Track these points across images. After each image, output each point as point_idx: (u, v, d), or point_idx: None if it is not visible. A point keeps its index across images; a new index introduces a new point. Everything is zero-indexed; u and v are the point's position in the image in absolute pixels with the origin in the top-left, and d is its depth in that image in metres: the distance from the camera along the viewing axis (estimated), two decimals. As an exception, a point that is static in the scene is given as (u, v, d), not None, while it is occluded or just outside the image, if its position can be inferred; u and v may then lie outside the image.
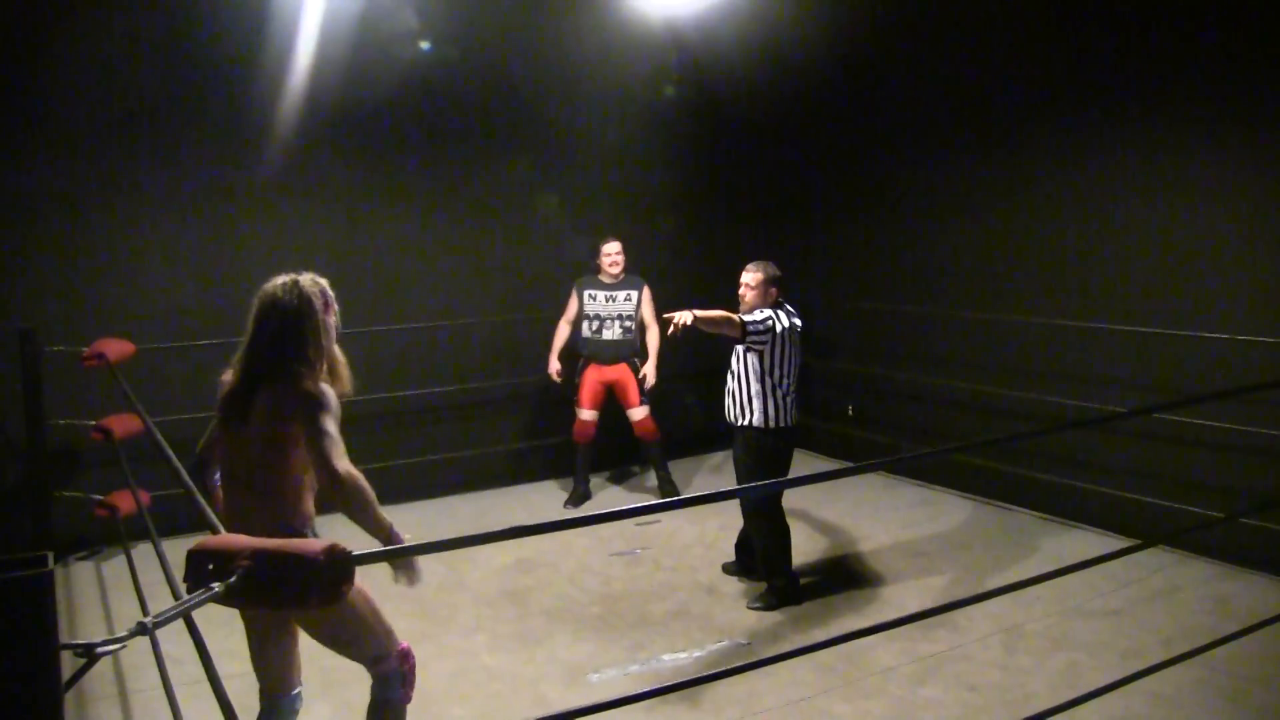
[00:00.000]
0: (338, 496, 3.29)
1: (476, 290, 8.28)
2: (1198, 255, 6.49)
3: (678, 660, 5.20)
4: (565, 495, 8.11)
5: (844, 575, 6.41)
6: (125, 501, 6.21)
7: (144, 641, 4.04)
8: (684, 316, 5.41)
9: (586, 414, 7.87)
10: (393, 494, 7.75)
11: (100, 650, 1.87)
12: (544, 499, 8.11)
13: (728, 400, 6.02)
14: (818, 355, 9.47)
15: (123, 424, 6.11)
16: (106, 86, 6.75)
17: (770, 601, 5.93)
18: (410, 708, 4.66)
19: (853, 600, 6.00)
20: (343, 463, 3.28)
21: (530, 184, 8.53)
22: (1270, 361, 6.04)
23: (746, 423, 5.87)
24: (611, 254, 7.76)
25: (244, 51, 7.06)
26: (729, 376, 6.02)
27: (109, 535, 6.55)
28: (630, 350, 7.84)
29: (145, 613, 3.39)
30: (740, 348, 5.89)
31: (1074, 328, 7.17)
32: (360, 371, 6.82)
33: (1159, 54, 6.62)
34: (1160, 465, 6.72)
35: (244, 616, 3.57)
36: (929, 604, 3.38)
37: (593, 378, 7.83)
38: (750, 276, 5.91)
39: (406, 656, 3.67)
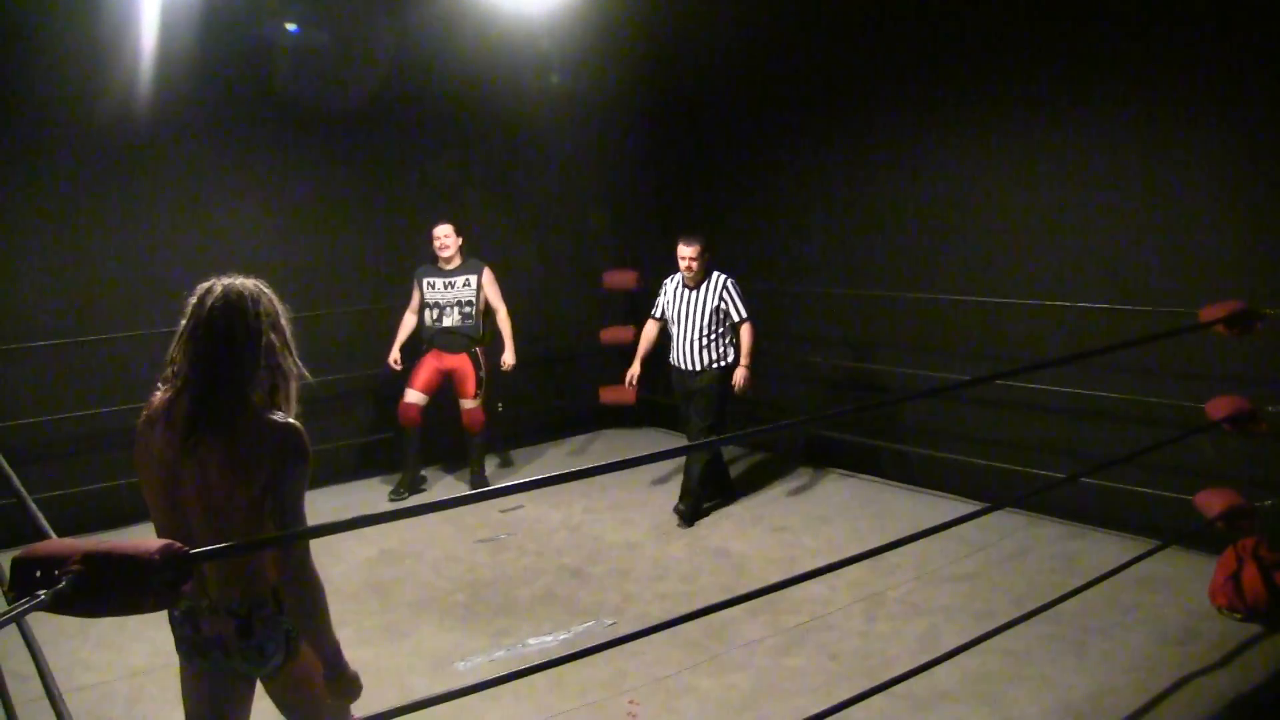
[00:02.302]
0: (289, 595, 2.74)
1: (331, 282, 8.08)
2: (1037, 228, 6.71)
3: (544, 644, 5.19)
4: (433, 484, 8.00)
5: (706, 551, 6.47)
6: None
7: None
8: (743, 378, 6.88)
9: (412, 395, 7.52)
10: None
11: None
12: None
13: (693, 349, 6.99)
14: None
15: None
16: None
17: (689, 516, 7.02)
18: (274, 705, 4.58)
19: (716, 576, 6.06)
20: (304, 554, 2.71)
21: (440, 171, 8.48)
22: (1106, 327, 6.28)
23: (725, 363, 6.96)
24: (440, 238, 7.44)
25: (115, 36, 6.75)
26: (689, 329, 6.98)
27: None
28: (471, 338, 7.59)
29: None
30: (706, 303, 6.94)
31: (921, 300, 7.36)
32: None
33: (997, 37, 6.81)
34: (1008, 430, 6.94)
35: (196, 690, 2.94)
36: (791, 576, 3.43)
37: (430, 362, 7.59)
38: (691, 249, 6.86)
39: None
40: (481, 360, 7.64)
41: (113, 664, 5.01)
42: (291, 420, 2.78)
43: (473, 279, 7.56)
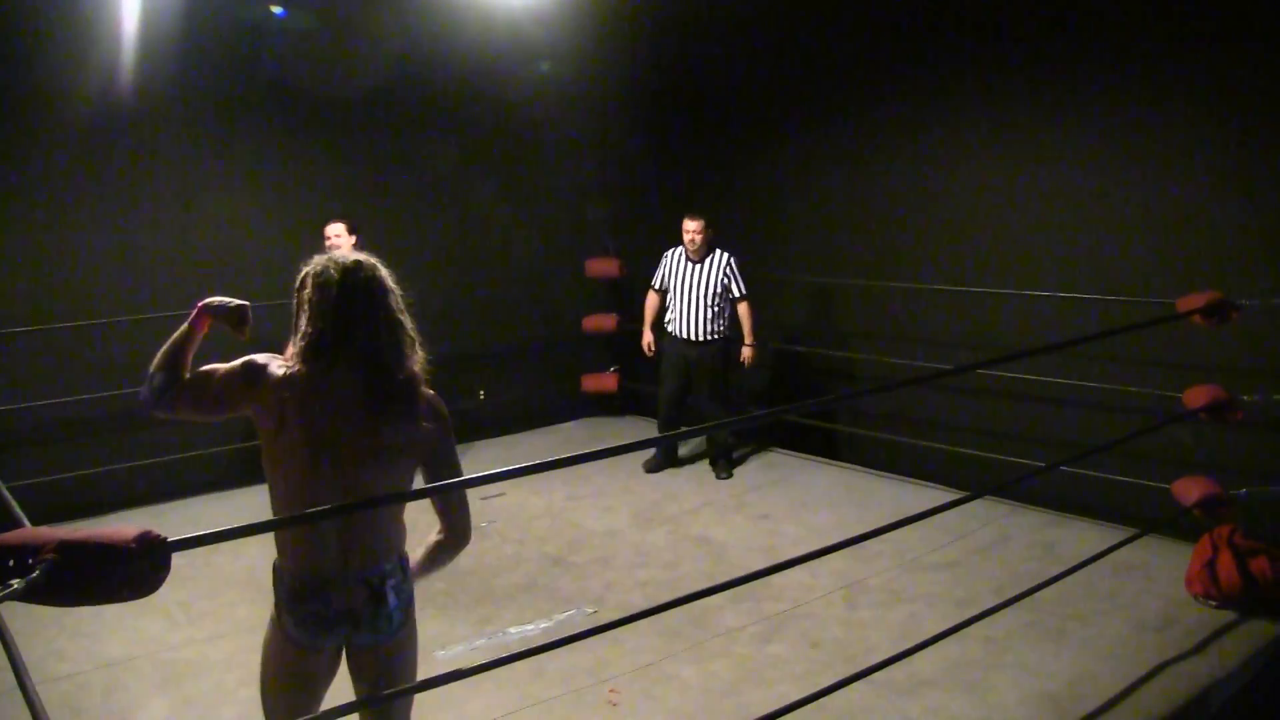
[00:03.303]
0: (451, 544, 2.98)
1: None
2: (1019, 219, 6.74)
3: (525, 632, 5.19)
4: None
5: (687, 539, 6.47)
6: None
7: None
8: (749, 355, 7.64)
9: None
10: (240, 477, 7.53)
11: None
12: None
13: (698, 319, 7.50)
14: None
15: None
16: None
17: (730, 471, 7.71)
18: (253, 695, 4.54)
19: (697, 564, 6.06)
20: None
21: (440, 160, 8.43)
22: (1087, 316, 6.31)
23: (725, 336, 7.56)
24: (331, 236, 6.90)
25: (89, 26, 6.66)
26: (694, 300, 7.49)
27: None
28: None
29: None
30: (710, 277, 7.45)
31: (904, 289, 7.38)
32: (232, 351, 6.67)
33: (984, 28, 6.82)
34: (988, 419, 6.98)
35: (300, 672, 2.88)
36: (772, 564, 3.43)
37: None
38: (695, 224, 7.42)
39: None
40: None
41: (88, 654, 4.97)
42: (432, 391, 2.89)
43: None
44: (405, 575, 2.90)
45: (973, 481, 6.84)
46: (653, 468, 7.86)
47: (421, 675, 2.99)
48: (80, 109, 6.76)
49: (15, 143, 6.63)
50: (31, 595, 1.85)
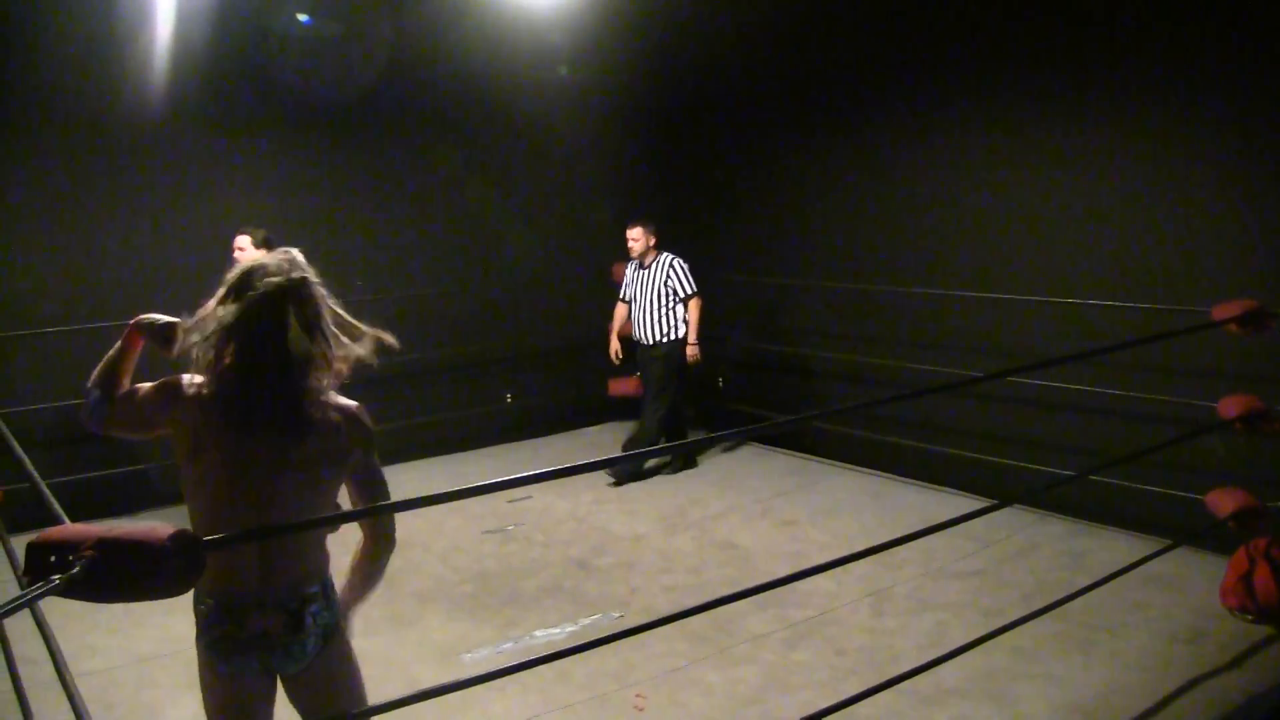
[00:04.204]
0: (376, 556, 2.86)
1: (370, 272, 8.04)
2: (1048, 225, 6.68)
3: (551, 636, 5.19)
4: (444, 475, 7.99)
5: (713, 544, 6.46)
6: (-30, 496, 5.94)
7: (-8, 642, 3.91)
8: (694, 355, 7.82)
9: None
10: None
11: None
12: (420, 478, 7.98)
13: (648, 323, 7.80)
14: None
15: (-35, 415, 5.83)
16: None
17: (622, 479, 7.65)
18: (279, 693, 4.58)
19: (722, 569, 6.05)
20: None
21: (442, 162, 8.44)
22: (1116, 324, 6.25)
23: (676, 337, 7.77)
24: (235, 250, 6.32)
25: (110, 27, 6.72)
26: (644, 305, 7.81)
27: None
28: None
29: (-9, 612, 3.08)
30: (655, 281, 7.75)
31: (933, 295, 7.33)
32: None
33: (1007, 30, 6.78)
34: (1017, 427, 6.93)
35: (225, 692, 2.78)
36: (798, 570, 3.42)
37: None
38: (633, 231, 7.74)
39: None
40: None
41: (120, 650, 5.03)
42: (354, 402, 2.76)
43: None
44: (328, 602, 2.78)
45: (999, 489, 6.80)
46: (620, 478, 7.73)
47: (448, 677, 2.99)
48: (110, 112, 6.87)
49: (60, 149, 6.75)
50: (70, 591, 1.88)
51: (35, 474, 3.17)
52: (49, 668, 3.04)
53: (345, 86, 7.75)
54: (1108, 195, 6.37)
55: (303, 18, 7.50)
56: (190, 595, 2.04)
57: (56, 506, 2.86)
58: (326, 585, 2.79)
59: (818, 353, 8.33)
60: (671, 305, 7.76)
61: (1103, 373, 6.29)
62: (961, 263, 7.20)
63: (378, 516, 2.79)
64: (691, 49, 9.03)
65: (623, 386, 9.04)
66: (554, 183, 9.18)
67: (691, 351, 7.82)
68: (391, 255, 8.24)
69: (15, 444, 3.61)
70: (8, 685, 3.78)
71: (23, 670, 3.82)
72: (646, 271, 7.83)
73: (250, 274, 2.62)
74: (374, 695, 2.91)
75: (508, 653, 5.00)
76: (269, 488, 2.62)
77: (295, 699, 2.85)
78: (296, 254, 2.71)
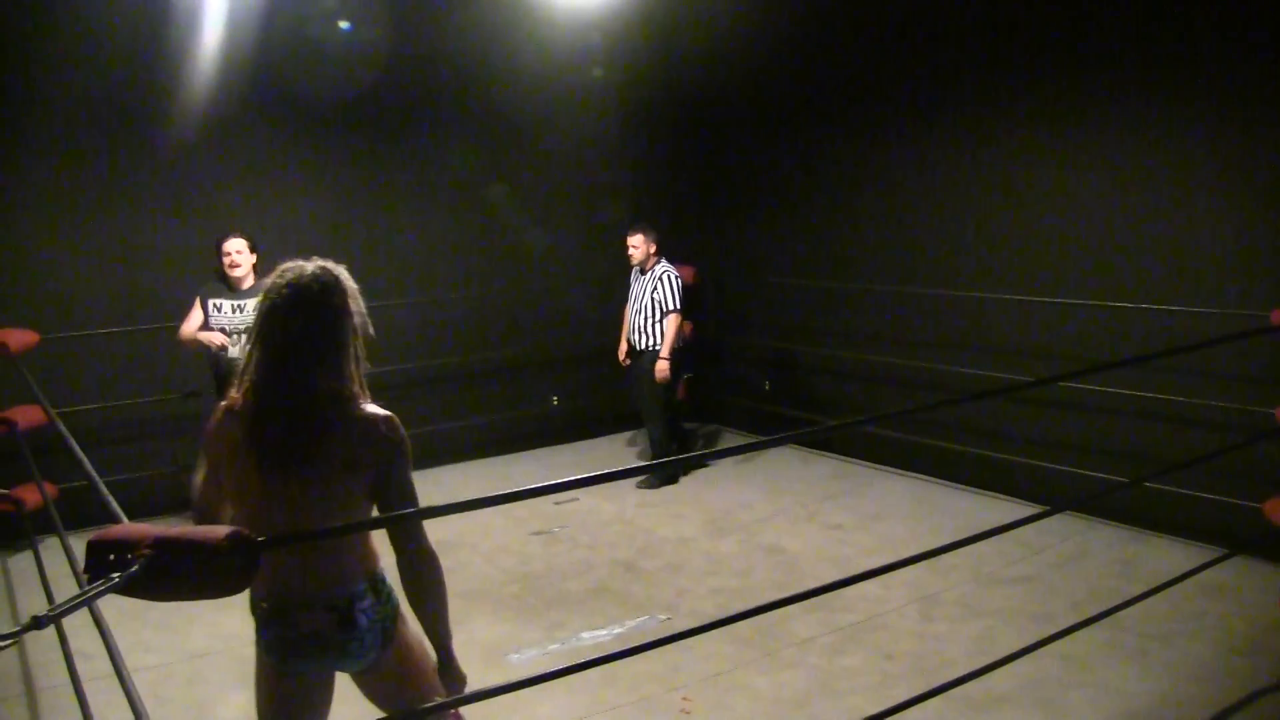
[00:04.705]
0: (410, 573, 2.75)
1: (393, 273, 8.10)
2: (1101, 227, 6.60)
3: (597, 637, 5.19)
4: (489, 477, 8.03)
5: (759, 548, 6.44)
6: (31, 495, 6.04)
7: (53, 638, 3.98)
8: (662, 369, 7.71)
9: None
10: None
11: (-10, 647, 1.78)
12: (465, 479, 8.03)
13: (642, 329, 7.82)
14: (734, 331, 9.53)
15: (26, 415, 5.92)
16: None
17: (654, 483, 7.75)
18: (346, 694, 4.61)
19: (769, 573, 6.03)
20: (424, 532, 2.74)
21: (461, 164, 8.43)
22: (1170, 328, 6.17)
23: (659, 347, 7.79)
24: (231, 253, 6.34)
25: (156, 31, 6.84)
26: (639, 311, 7.84)
27: (14, 530, 6.36)
28: None
29: (53, 609, 3.12)
30: (647, 289, 7.79)
31: (982, 299, 7.27)
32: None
33: (1060, 26, 6.71)
34: (1068, 432, 6.85)
35: (279, 692, 2.84)
36: (845, 575, 3.40)
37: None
38: (632, 239, 7.81)
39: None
40: None
41: (173, 646, 5.10)
42: (385, 411, 2.74)
43: None
44: (381, 599, 2.80)
45: (1048, 495, 6.74)
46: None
47: (495, 678, 3.00)
48: (159, 120, 7.01)
49: (109, 153, 6.89)
50: (130, 589, 1.91)
51: (94, 473, 3.21)
52: (105, 663, 3.09)
53: (383, 90, 7.86)
54: (1163, 198, 6.28)
55: (344, 24, 7.56)
56: (245, 594, 2.05)
57: (115, 505, 2.90)
58: (377, 583, 2.80)
59: (863, 355, 8.27)
60: (659, 316, 7.79)
61: (1156, 377, 6.20)
62: (1010, 266, 7.13)
63: (398, 531, 2.72)
64: (719, 50, 9.05)
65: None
66: (589, 185, 9.17)
67: (661, 366, 7.73)
68: (433, 259, 8.28)
69: (74, 443, 3.66)
70: (66, 679, 3.85)
71: (80, 665, 3.89)
72: (644, 279, 7.88)
73: (285, 281, 2.70)
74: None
75: (554, 654, 5.01)
76: (294, 492, 2.64)
77: (370, 695, 2.93)
78: (330, 264, 2.78)
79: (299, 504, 2.65)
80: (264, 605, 2.75)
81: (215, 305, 6.35)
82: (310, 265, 2.75)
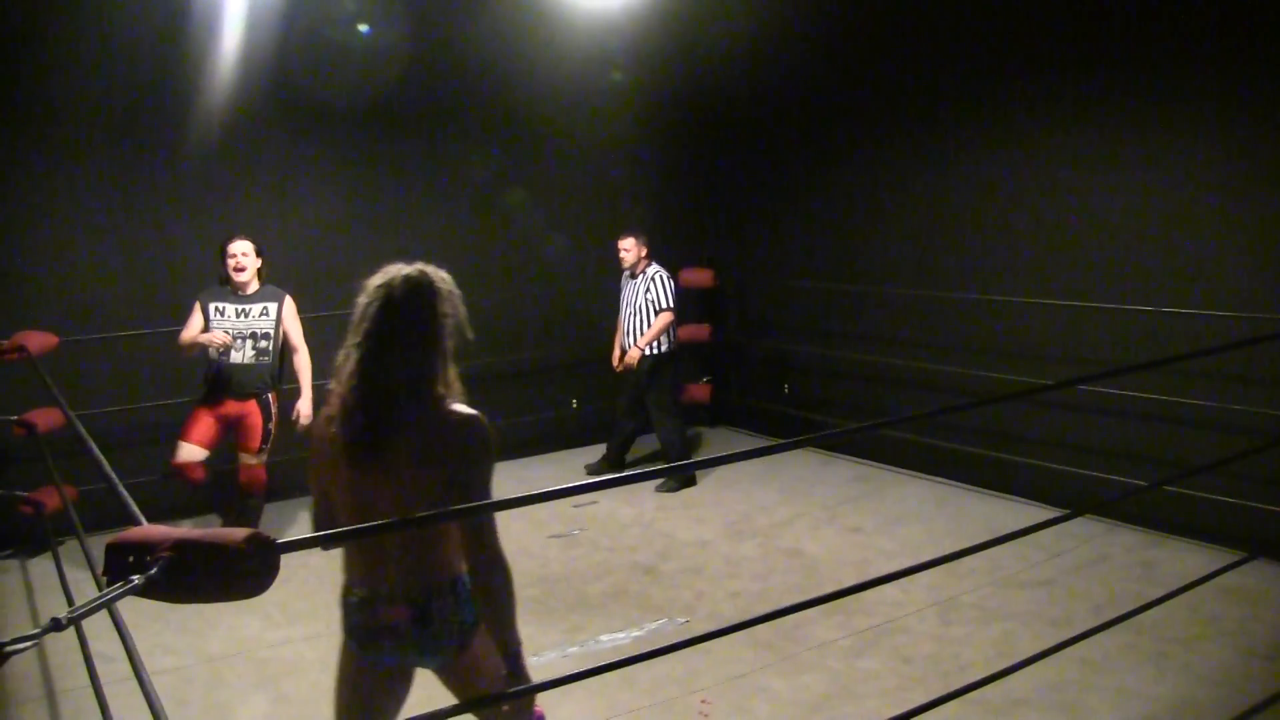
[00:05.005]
0: (479, 578, 2.75)
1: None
2: (1121, 232, 6.58)
3: (616, 640, 5.20)
4: (507, 479, 8.03)
5: (778, 551, 6.44)
6: (50, 498, 6.08)
7: (73, 640, 4.01)
8: (633, 356, 7.81)
9: (188, 450, 6.23)
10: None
11: (8, 650, 1.78)
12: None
13: (634, 333, 7.85)
14: (754, 334, 9.54)
15: (46, 418, 5.94)
16: (18, 76, 6.58)
17: (674, 486, 7.78)
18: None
19: (788, 576, 6.03)
20: (496, 539, 2.74)
21: (480, 167, 8.47)
22: (1189, 333, 6.16)
23: (661, 350, 7.87)
24: (237, 255, 6.25)
25: (172, 34, 6.89)
26: (630, 315, 7.88)
27: (35, 533, 6.41)
28: (265, 379, 6.39)
29: (72, 611, 3.15)
30: (640, 292, 7.83)
31: (1002, 302, 7.26)
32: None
33: (1072, 30, 6.70)
34: (1087, 436, 6.83)
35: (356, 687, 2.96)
36: (865, 578, 3.40)
37: (211, 409, 6.31)
38: (623, 243, 7.84)
39: None
40: (273, 408, 6.46)
41: (192, 649, 5.13)
42: (474, 411, 2.80)
43: (271, 308, 6.38)
44: (460, 602, 2.84)
45: (1066, 498, 6.72)
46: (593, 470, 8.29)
47: (513, 682, 3.00)
48: (175, 122, 7.08)
49: (130, 156, 6.96)
50: (149, 591, 1.91)
51: (113, 475, 3.23)
52: (125, 665, 3.11)
53: (402, 94, 7.90)
54: (1184, 201, 6.26)
55: (363, 28, 7.60)
56: (269, 595, 2.07)
57: (134, 508, 2.91)
58: (458, 585, 2.85)
59: (884, 359, 8.27)
60: (652, 318, 7.83)
61: (1176, 381, 6.19)
62: (1029, 269, 7.12)
63: (468, 534, 2.72)
64: (738, 53, 9.05)
65: (691, 392, 9.06)
66: (608, 188, 9.19)
67: (633, 353, 7.85)
68: (453, 262, 8.07)
69: (93, 445, 3.68)
70: (86, 681, 3.87)
71: (99, 667, 3.91)
72: (635, 282, 7.92)
73: (380, 281, 2.81)
74: (441, 698, 2.93)
75: (573, 657, 5.02)
76: (370, 484, 2.75)
77: (449, 688, 3.00)
78: (429, 268, 2.90)
79: (375, 497, 2.74)
80: (351, 594, 2.85)
81: (217, 309, 6.27)
82: (408, 268, 2.85)
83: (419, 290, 2.80)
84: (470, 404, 2.90)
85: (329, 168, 7.77)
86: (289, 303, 6.44)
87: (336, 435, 2.76)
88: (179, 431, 6.26)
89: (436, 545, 2.80)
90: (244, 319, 6.28)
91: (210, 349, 6.20)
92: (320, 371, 7.61)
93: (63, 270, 6.82)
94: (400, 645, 2.82)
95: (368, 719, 2.97)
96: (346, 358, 2.79)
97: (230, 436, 6.42)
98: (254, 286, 6.34)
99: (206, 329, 6.23)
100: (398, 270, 2.83)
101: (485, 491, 2.73)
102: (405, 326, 2.76)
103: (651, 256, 7.95)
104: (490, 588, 2.74)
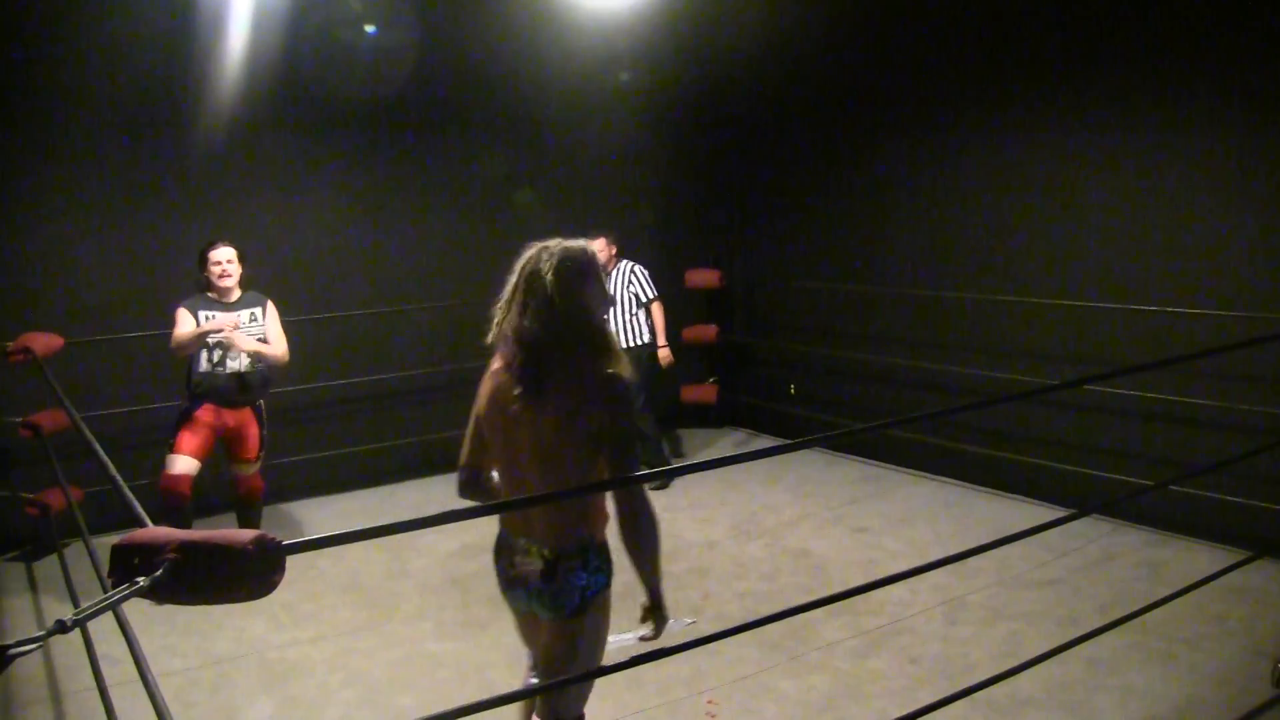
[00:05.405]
0: (625, 527, 2.99)
1: (417, 277, 8.19)
2: (1128, 231, 6.57)
3: (623, 641, 5.18)
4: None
5: (786, 551, 6.44)
6: (56, 499, 6.10)
7: (78, 642, 4.02)
8: (667, 355, 8.00)
9: (183, 463, 5.89)
10: (336, 482, 7.75)
11: (13, 652, 1.77)
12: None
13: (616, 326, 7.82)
14: (759, 334, 9.54)
15: (51, 420, 5.97)
16: (23, 76, 6.59)
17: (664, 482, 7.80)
18: (355, 697, 4.65)
19: (795, 576, 6.03)
20: (642, 489, 2.97)
21: (487, 168, 8.47)
22: (1195, 332, 6.15)
23: (641, 342, 7.86)
24: (222, 262, 6.01)
25: (176, 35, 6.91)
26: (611, 313, 7.63)
27: (40, 534, 6.43)
28: (261, 386, 6.20)
29: (78, 613, 3.16)
30: (619, 288, 7.82)
31: (1008, 303, 7.25)
32: (304, 358, 6.78)
33: (1077, 30, 6.69)
34: (1094, 436, 6.83)
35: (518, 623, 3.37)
36: (872, 578, 3.40)
37: (205, 419, 6.00)
38: (601, 242, 7.65)
39: None
40: (264, 414, 6.35)
41: (198, 651, 5.14)
42: (614, 370, 2.95)
43: (259, 313, 6.18)
44: (590, 568, 3.08)
45: (1073, 498, 6.71)
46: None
47: (521, 681, 3.03)
48: (180, 123, 7.10)
49: (136, 156, 6.99)
50: (155, 593, 1.91)
51: (118, 477, 3.23)
52: (130, 667, 3.11)
53: (410, 94, 7.90)
54: (1189, 200, 6.25)
55: (370, 28, 7.62)
56: (272, 598, 2.08)
57: (139, 509, 2.91)
58: (590, 550, 3.10)
59: (891, 359, 8.26)
60: (634, 311, 7.88)
61: (1182, 380, 6.18)
62: (1036, 269, 7.11)
63: (620, 498, 2.96)
64: (746, 54, 9.04)
65: (697, 393, 9.06)
66: (615, 189, 9.19)
67: (663, 354, 7.97)
68: (461, 262, 8.31)
69: (98, 447, 3.68)
70: (91, 684, 3.88)
71: (105, 669, 3.92)
72: (607, 279, 7.78)
73: (533, 253, 3.06)
74: (449, 699, 2.95)
75: (579, 658, 5.02)
76: (521, 436, 3.00)
77: (530, 640, 3.35)
78: (586, 243, 3.11)
79: (522, 447, 3.00)
80: (499, 541, 3.20)
81: (207, 317, 5.97)
82: (568, 240, 3.09)
83: (574, 260, 3.01)
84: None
85: (335, 168, 7.78)
86: (271, 307, 6.25)
87: (499, 386, 3.04)
88: (171, 443, 5.95)
89: (569, 510, 3.02)
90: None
91: (216, 343, 5.93)
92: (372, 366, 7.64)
93: (68, 272, 6.83)
94: (527, 594, 3.09)
95: (533, 655, 3.36)
96: (507, 314, 3.04)
97: (220, 447, 6.19)
98: (237, 293, 6.14)
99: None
100: (557, 242, 3.06)
101: (627, 444, 2.95)
102: (557, 291, 2.94)
103: (621, 254, 7.97)
104: (638, 534, 2.99)
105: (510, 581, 3.15)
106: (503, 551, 3.17)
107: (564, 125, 8.77)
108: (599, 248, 7.66)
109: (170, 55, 6.92)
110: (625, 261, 7.94)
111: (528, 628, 3.32)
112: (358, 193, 7.90)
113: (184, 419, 6.01)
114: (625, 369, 2.98)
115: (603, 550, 3.15)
